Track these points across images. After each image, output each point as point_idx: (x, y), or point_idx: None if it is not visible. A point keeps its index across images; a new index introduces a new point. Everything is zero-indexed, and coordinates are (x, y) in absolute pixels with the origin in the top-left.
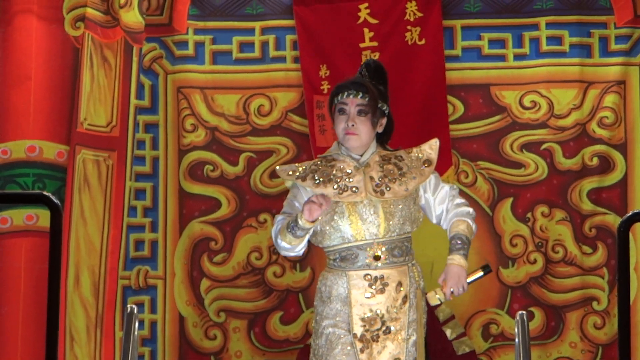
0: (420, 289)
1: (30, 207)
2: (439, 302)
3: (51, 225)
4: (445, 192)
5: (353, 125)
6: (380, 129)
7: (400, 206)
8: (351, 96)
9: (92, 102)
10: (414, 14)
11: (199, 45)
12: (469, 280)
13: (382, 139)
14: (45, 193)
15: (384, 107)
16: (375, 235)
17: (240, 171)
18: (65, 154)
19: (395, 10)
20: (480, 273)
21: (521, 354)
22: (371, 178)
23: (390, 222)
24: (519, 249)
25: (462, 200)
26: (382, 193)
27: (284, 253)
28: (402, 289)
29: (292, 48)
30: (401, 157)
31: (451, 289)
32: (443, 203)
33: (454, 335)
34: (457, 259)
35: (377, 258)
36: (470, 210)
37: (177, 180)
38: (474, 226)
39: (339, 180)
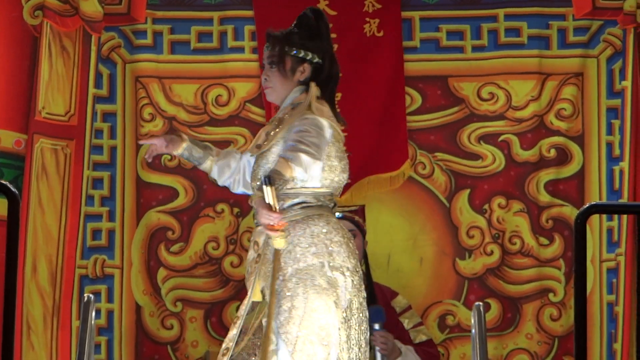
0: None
1: None
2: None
3: (9, 214)
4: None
5: (266, 78)
6: (302, 77)
7: (264, 162)
8: (265, 50)
9: (51, 90)
10: (373, 5)
11: (158, 35)
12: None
13: (322, 87)
14: (2, 182)
15: (300, 54)
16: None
17: None
18: (23, 143)
19: (354, 2)
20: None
21: (477, 345)
22: (266, 134)
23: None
24: (475, 240)
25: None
26: (258, 148)
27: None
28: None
29: (250, 39)
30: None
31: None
32: None
33: (411, 325)
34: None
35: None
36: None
37: (134, 170)
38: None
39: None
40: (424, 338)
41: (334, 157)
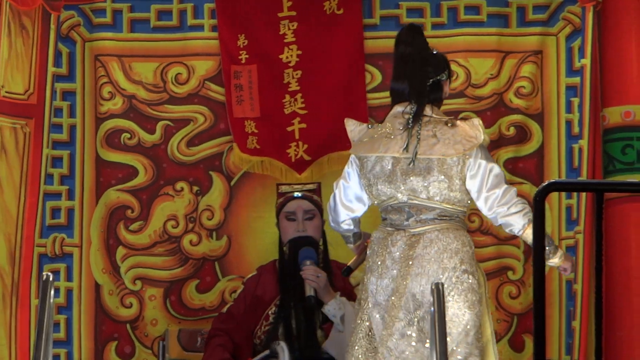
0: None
1: None
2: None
3: None
4: None
5: None
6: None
7: None
8: None
9: (10, 69)
10: None
11: (117, 13)
12: None
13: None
14: None
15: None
16: None
17: (158, 139)
18: None
19: None
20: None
21: (437, 324)
22: None
23: None
24: None
25: None
26: None
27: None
28: None
29: (210, 17)
30: None
31: None
32: None
33: None
34: None
35: None
36: None
37: (94, 148)
38: None
39: None
40: None
41: None
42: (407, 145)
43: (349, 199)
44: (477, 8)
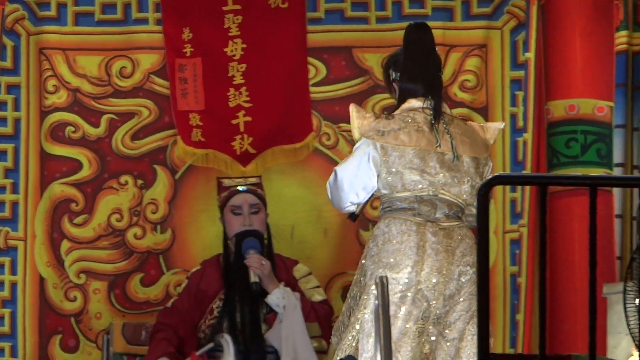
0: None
1: None
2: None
3: None
4: None
5: None
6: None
7: None
8: None
9: None
10: None
11: (62, 7)
12: None
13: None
14: None
15: (391, 76)
16: None
17: (102, 133)
18: None
19: None
20: None
21: (381, 316)
22: None
23: None
24: (379, 211)
25: None
26: None
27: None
28: None
29: (154, 10)
30: None
31: None
32: None
33: (309, 286)
34: None
35: None
36: None
37: (38, 142)
38: None
39: None
40: (319, 298)
41: None
42: (439, 141)
43: (360, 185)
44: (421, 2)
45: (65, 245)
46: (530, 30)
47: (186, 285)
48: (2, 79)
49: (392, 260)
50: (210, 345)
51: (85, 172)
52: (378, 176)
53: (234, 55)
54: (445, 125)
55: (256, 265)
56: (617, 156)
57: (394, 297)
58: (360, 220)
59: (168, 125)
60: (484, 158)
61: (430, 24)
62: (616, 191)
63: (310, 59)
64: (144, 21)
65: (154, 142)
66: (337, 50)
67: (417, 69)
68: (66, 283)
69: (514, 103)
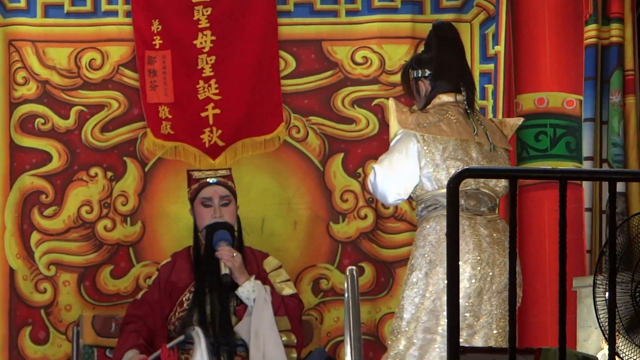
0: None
1: None
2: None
3: None
4: None
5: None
6: (425, 91)
7: None
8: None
9: None
10: None
11: None
12: None
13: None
14: None
15: (413, 74)
16: None
17: (72, 125)
18: None
19: None
20: None
21: (350, 309)
22: None
23: None
24: (349, 204)
25: None
26: None
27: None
28: None
29: (124, 2)
30: None
31: None
32: None
33: (279, 280)
34: None
35: None
36: None
37: (8, 133)
38: None
39: None
40: (290, 291)
41: None
42: (476, 130)
43: (405, 178)
44: None
45: (35, 237)
46: (500, 24)
47: (156, 277)
48: None
49: (433, 258)
50: (181, 337)
51: (55, 164)
52: (420, 170)
53: (204, 48)
54: (477, 117)
55: (227, 257)
56: (587, 149)
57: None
58: (330, 212)
59: (138, 117)
60: (508, 152)
61: (399, 16)
62: (586, 185)
63: (280, 52)
64: (114, 13)
65: (124, 135)
66: (306, 43)
67: (450, 65)
68: (36, 275)
69: (483, 96)
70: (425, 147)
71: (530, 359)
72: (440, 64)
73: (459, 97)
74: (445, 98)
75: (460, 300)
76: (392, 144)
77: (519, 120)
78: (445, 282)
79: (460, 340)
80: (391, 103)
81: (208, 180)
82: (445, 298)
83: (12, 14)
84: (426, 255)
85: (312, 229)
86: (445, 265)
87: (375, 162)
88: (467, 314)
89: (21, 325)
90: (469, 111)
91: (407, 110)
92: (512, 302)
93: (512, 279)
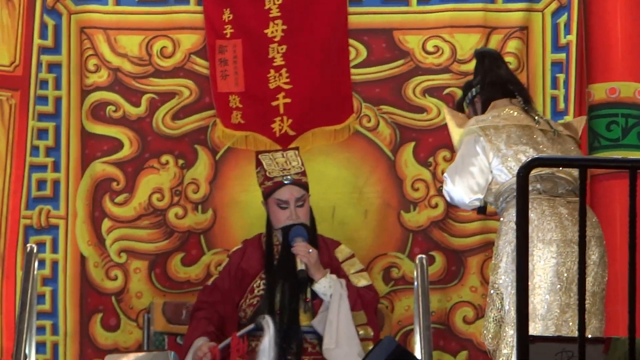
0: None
1: None
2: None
3: None
4: None
5: None
6: (477, 109)
7: None
8: None
9: None
10: None
11: None
12: None
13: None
14: None
15: (467, 99)
16: None
17: (143, 112)
18: None
19: None
20: None
21: (420, 298)
22: None
23: None
24: (420, 193)
25: None
26: None
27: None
28: None
29: None
30: None
31: None
32: None
33: (353, 270)
34: None
35: None
36: None
37: (79, 121)
38: None
39: None
40: (365, 283)
41: None
42: (537, 119)
43: (477, 175)
44: None
45: (106, 224)
46: (572, 13)
47: (227, 264)
48: (43, 58)
49: (539, 235)
50: (251, 326)
51: (126, 152)
52: (490, 164)
53: (275, 37)
54: (537, 112)
55: (303, 253)
56: None
57: (547, 271)
58: (401, 201)
59: (209, 105)
60: (577, 141)
61: (471, 5)
62: None
63: (351, 41)
64: (185, 1)
65: (195, 122)
66: (377, 32)
67: (497, 75)
68: (107, 262)
69: (555, 86)
70: (489, 142)
71: (600, 348)
72: (488, 75)
73: (514, 100)
74: (500, 103)
75: (554, 279)
76: (458, 152)
77: (583, 120)
78: (534, 263)
79: (556, 322)
80: (446, 112)
81: (284, 181)
82: (536, 279)
83: (84, 2)
84: (512, 243)
85: (382, 218)
86: (531, 245)
87: (446, 172)
88: (560, 293)
89: (92, 312)
90: (526, 108)
91: (464, 116)
92: (582, 292)
93: (582, 269)
